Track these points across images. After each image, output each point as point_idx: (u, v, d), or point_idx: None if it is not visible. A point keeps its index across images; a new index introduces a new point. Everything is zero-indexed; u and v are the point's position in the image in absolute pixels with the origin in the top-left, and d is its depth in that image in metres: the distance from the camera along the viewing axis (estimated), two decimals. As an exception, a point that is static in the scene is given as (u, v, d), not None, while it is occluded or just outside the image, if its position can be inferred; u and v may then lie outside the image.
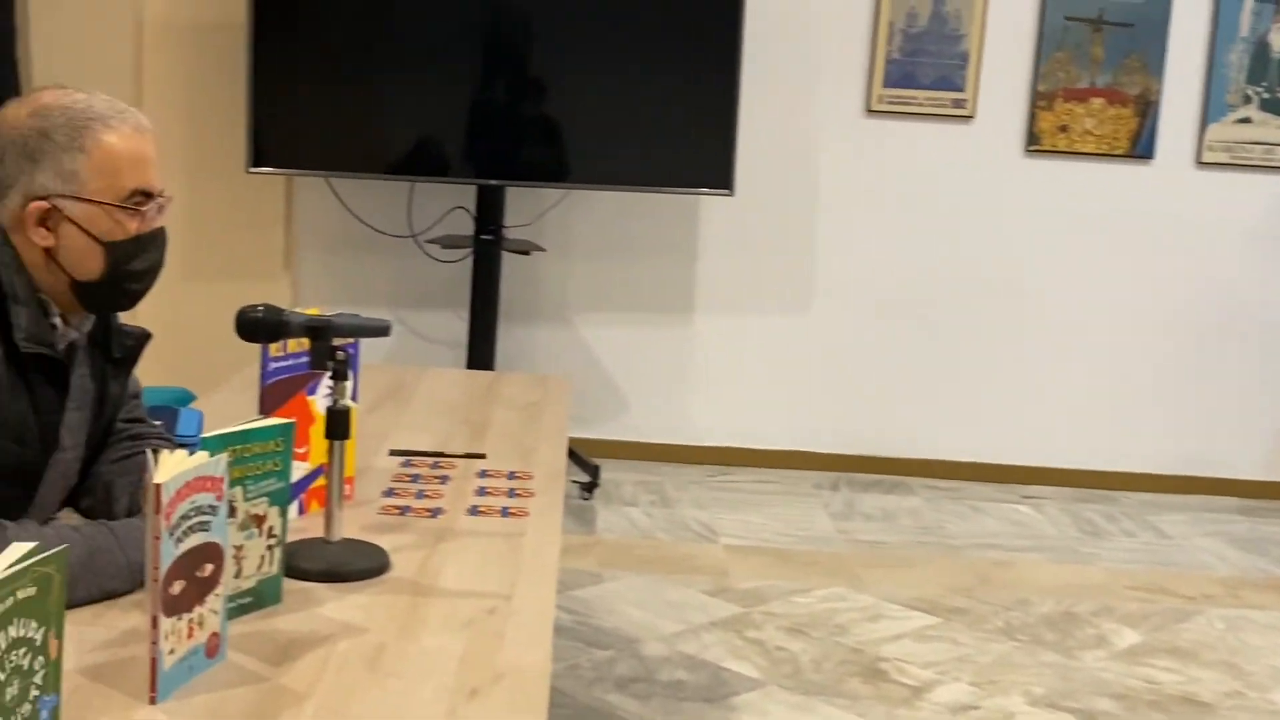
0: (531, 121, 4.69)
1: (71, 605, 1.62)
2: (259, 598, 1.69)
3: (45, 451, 1.79)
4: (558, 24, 4.59)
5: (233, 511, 1.63)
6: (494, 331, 4.75)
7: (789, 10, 4.99)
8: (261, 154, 4.46)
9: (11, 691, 1.17)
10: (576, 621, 3.67)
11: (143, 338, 1.97)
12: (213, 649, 1.52)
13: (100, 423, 1.93)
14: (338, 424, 1.82)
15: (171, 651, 1.44)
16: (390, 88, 4.57)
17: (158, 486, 1.40)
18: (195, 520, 1.47)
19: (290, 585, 1.76)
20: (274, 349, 1.96)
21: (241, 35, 4.39)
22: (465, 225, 4.79)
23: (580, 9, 4.60)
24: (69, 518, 1.93)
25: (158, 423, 2.25)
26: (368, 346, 2.21)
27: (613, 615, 3.73)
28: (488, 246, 4.70)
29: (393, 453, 2.41)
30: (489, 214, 4.70)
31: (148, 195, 1.79)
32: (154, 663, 1.42)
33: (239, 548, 1.65)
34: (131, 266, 1.79)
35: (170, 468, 1.45)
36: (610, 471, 4.96)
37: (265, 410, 1.96)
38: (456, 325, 4.93)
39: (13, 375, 1.71)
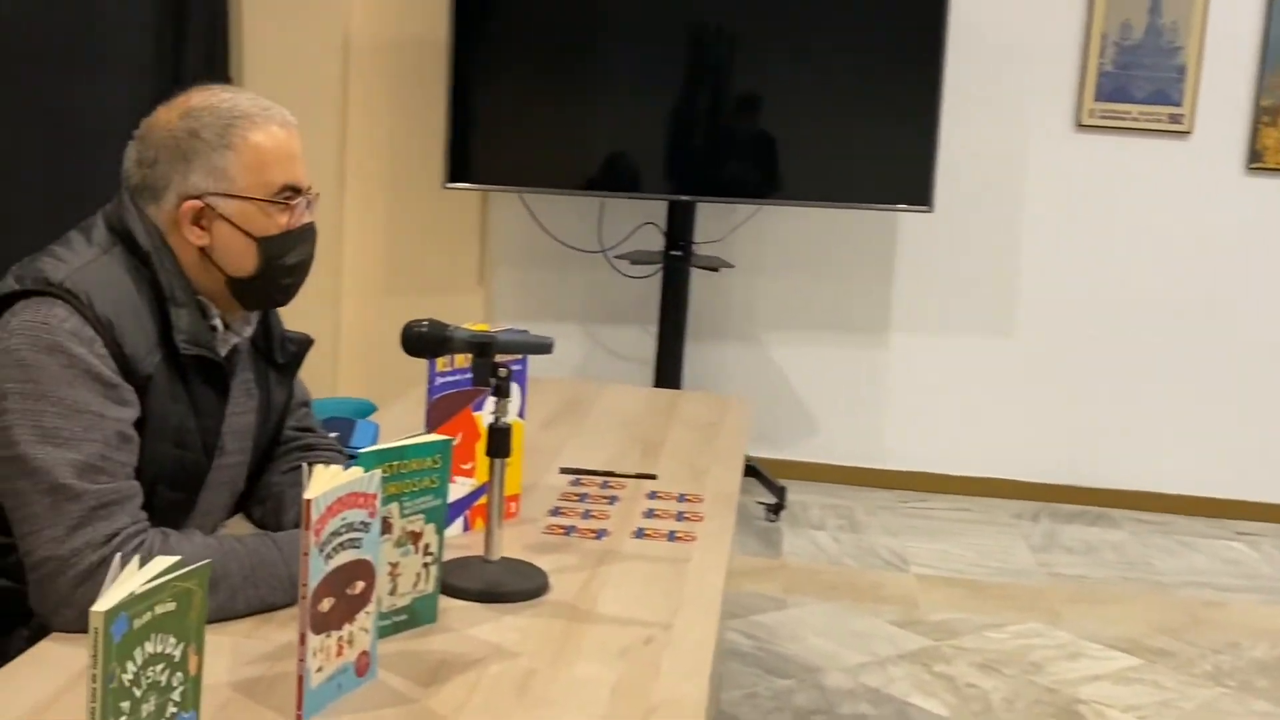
0: (726, 137, 4.64)
1: (232, 616, 1.63)
2: (413, 616, 1.66)
3: (208, 456, 1.81)
4: (756, 39, 4.53)
5: (389, 528, 1.61)
6: (682, 348, 4.71)
7: (995, 20, 4.82)
8: (458, 169, 4.51)
9: (148, 708, 1.16)
10: (757, 648, 3.59)
11: (305, 343, 1.98)
12: (362, 667, 1.50)
13: (266, 429, 1.94)
14: (498, 442, 1.79)
15: (320, 669, 1.43)
16: (584, 104, 4.57)
17: (308, 502, 1.38)
18: (346, 537, 1.45)
19: (446, 604, 1.73)
20: (441, 364, 1.94)
21: (442, 52, 4.45)
22: (655, 241, 4.77)
23: (779, 24, 4.53)
24: (240, 526, 1.94)
25: (333, 434, 2.27)
26: (556, 361, 2.18)
27: (795, 643, 3.64)
28: (677, 262, 4.66)
29: (562, 470, 2.37)
30: (679, 230, 4.67)
31: (296, 190, 1.80)
32: (301, 680, 1.40)
33: (394, 565, 1.63)
34: (284, 261, 1.80)
35: (322, 483, 1.43)
36: (797, 493, 4.86)
37: (430, 425, 1.94)
38: (645, 341, 4.91)
39: (172, 378, 1.73)
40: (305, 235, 1.82)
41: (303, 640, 1.40)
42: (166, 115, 1.78)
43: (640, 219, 4.82)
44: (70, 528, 1.58)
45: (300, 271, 1.83)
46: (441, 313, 1.91)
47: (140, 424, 1.68)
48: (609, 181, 4.63)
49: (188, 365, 1.75)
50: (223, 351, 1.83)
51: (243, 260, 1.78)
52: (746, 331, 5.07)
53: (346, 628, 1.47)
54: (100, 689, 1.09)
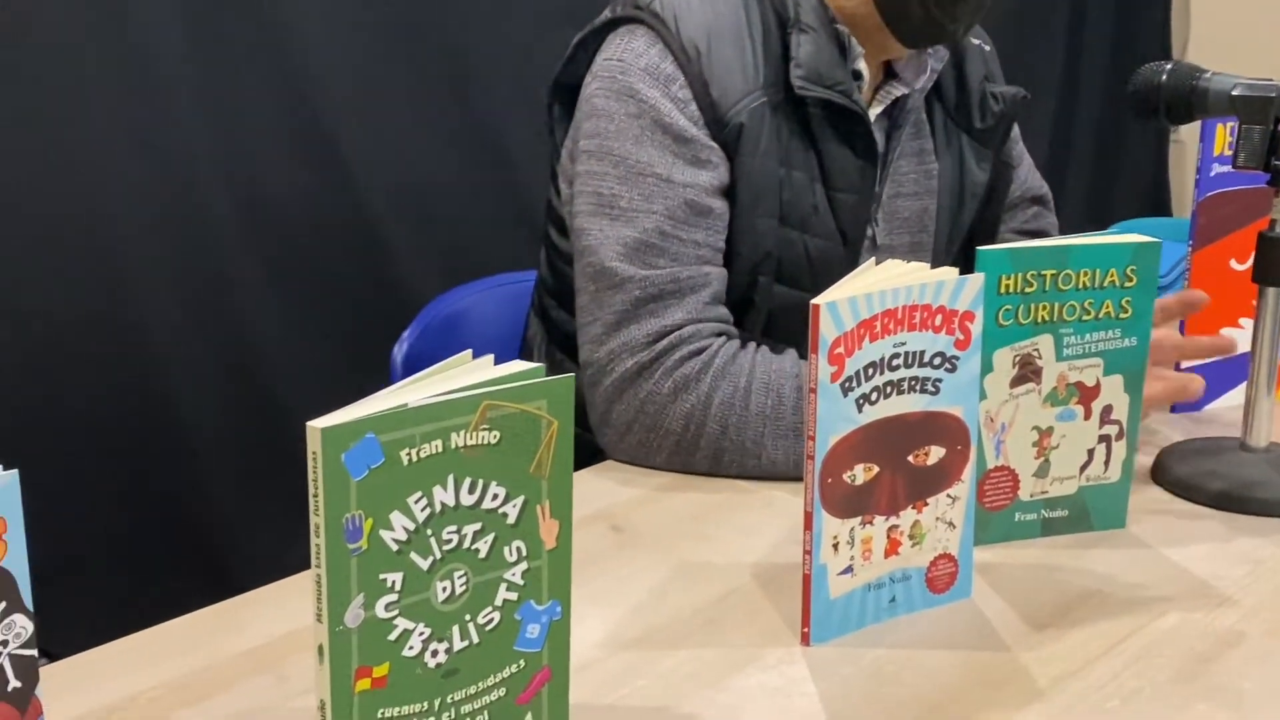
0: None
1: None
2: (1079, 514, 1.07)
3: (848, 245, 1.32)
4: None
5: (1032, 373, 1.03)
6: None
7: None
8: None
9: (446, 589, 0.74)
10: None
11: (1014, 100, 1.39)
12: (941, 582, 0.97)
13: (956, 221, 1.40)
14: (1269, 260, 1.10)
15: (847, 571, 0.92)
16: None
17: (815, 308, 0.86)
18: (906, 374, 0.92)
19: (1151, 501, 1.12)
20: (1221, 141, 1.26)
21: None
22: None
23: None
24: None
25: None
26: None
27: None
28: None
29: None
30: None
31: None
32: (807, 581, 0.91)
33: (1045, 431, 1.05)
34: None
35: (861, 281, 0.91)
36: None
37: (1197, 239, 1.29)
38: None
39: (783, 132, 1.25)
40: None
41: (808, 524, 0.90)
42: None
43: None
44: (610, 325, 1.20)
45: None
46: None
47: (731, 191, 1.25)
48: None
49: (813, 118, 1.26)
50: (878, 109, 1.32)
51: None
52: None
53: (907, 515, 0.94)
54: (326, 549, 0.69)
